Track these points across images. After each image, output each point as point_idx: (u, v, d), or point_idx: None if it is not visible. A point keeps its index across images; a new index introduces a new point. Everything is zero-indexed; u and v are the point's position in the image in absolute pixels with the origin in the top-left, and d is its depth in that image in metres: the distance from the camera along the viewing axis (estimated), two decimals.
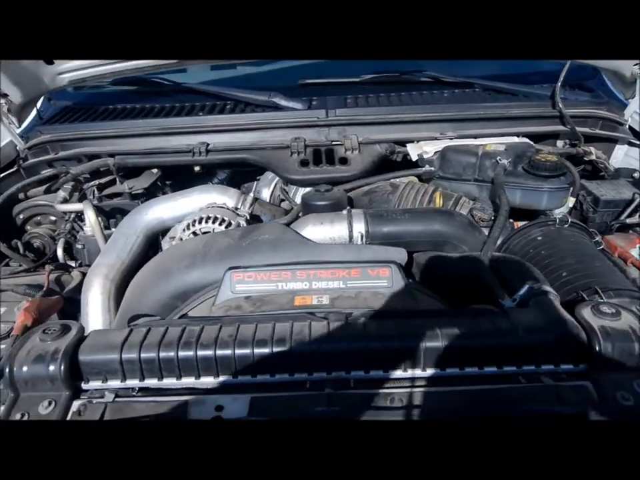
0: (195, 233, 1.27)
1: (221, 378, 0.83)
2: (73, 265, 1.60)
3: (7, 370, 0.82)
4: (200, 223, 1.27)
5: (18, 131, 1.80)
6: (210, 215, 1.27)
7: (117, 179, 1.64)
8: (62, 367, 0.81)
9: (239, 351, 0.83)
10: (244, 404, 0.80)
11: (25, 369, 0.81)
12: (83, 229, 1.55)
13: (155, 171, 1.67)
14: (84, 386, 0.84)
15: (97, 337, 0.87)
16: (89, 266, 1.53)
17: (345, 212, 1.19)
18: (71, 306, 1.31)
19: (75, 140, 1.71)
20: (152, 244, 1.48)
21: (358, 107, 1.69)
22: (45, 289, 1.27)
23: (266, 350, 0.83)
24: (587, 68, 1.87)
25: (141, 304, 1.13)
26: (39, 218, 1.70)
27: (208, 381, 0.83)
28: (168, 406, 0.80)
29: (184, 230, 1.28)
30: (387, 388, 0.82)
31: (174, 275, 1.10)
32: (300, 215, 1.41)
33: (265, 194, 1.64)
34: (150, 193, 1.68)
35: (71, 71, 1.65)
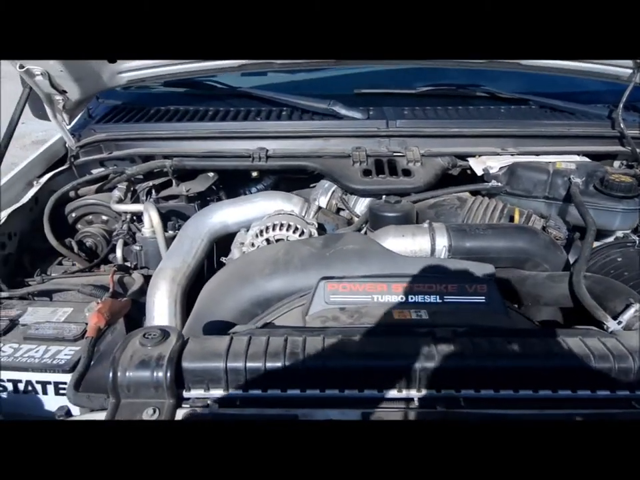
0: (268, 240, 1.25)
1: (328, 391, 0.82)
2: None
3: (111, 375, 0.80)
4: (273, 229, 1.25)
5: (67, 128, 1.78)
6: (283, 222, 1.25)
7: (173, 181, 1.62)
8: (168, 374, 0.78)
9: (346, 364, 0.82)
10: (355, 418, 0.78)
11: (128, 374, 0.79)
12: (139, 230, 1.53)
13: (210, 174, 1.65)
14: (186, 394, 0.82)
15: (198, 344, 0.85)
16: (144, 268, 1.52)
17: (426, 225, 1.18)
18: (134, 309, 1.29)
19: (130, 140, 1.69)
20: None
21: (417, 119, 1.68)
22: (111, 290, 1.25)
23: (374, 364, 0.82)
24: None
25: (217, 310, 1.11)
26: (90, 217, 1.68)
27: (314, 394, 0.82)
28: (275, 419, 0.78)
29: (256, 236, 1.26)
30: (498, 409, 0.80)
31: (255, 281, 1.08)
32: (365, 225, 1.40)
33: (322, 203, 1.62)
34: (202, 197, 1.67)
35: (131, 70, 1.64)
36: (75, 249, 1.56)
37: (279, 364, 0.81)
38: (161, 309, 1.25)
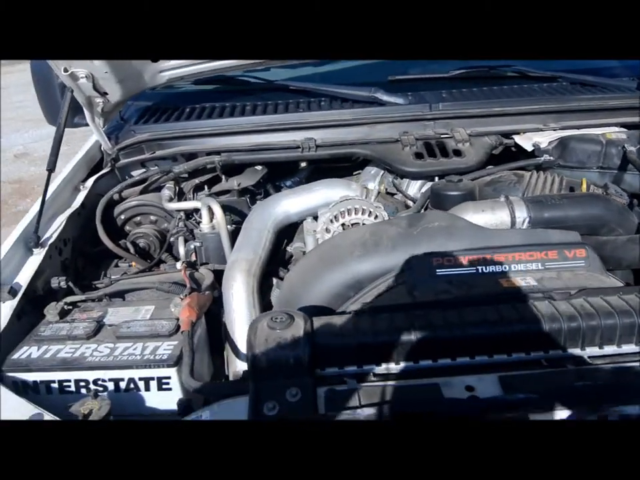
0: (343, 225, 1.27)
1: (458, 359, 0.84)
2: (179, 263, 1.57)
3: (250, 359, 0.80)
4: (349, 214, 1.26)
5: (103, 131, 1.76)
6: (357, 207, 1.27)
7: (223, 177, 1.62)
8: (306, 353, 0.80)
9: (472, 332, 0.84)
10: (493, 383, 0.79)
11: (266, 357, 0.80)
12: (195, 227, 1.53)
13: (259, 167, 1.65)
14: (322, 372, 0.83)
15: (325, 323, 0.86)
16: (205, 264, 1.51)
17: (502, 199, 1.20)
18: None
19: (173, 139, 1.68)
20: None
21: (457, 101, 1.71)
22: (188, 286, 1.25)
23: (501, 330, 0.84)
24: None
25: (306, 295, 1.11)
26: (139, 218, 1.67)
27: (446, 363, 0.83)
28: (418, 389, 0.80)
29: (331, 222, 1.27)
30: (622, 362, 0.83)
31: (347, 264, 1.09)
32: (424, 206, 1.43)
33: (370, 188, 1.64)
34: (250, 191, 1.67)
35: (173, 68, 1.63)
36: (131, 250, 1.55)
37: (408, 337, 0.83)
38: (239, 300, 1.25)
